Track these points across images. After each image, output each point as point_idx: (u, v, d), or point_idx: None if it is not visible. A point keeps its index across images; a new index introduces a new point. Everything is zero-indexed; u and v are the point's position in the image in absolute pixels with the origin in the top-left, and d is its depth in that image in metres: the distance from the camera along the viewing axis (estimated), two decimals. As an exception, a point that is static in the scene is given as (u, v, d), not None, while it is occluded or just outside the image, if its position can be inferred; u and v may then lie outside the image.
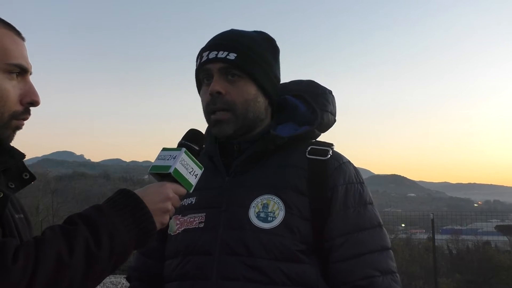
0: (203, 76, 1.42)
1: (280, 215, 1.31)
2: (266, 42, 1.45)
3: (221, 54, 1.36)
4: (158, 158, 1.18)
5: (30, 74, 1.15)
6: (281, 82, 1.54)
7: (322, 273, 1.33)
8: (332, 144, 1.45)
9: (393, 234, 14.75)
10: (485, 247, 13.08)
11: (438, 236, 11.85)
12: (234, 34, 1.43)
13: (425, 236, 14.84)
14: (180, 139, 1.23)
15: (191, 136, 1.23)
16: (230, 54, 1.36)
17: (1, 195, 1.11)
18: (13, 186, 1.19)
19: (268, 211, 1.32)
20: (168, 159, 1.16)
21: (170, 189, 1.13)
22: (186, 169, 1.16)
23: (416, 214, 14.83)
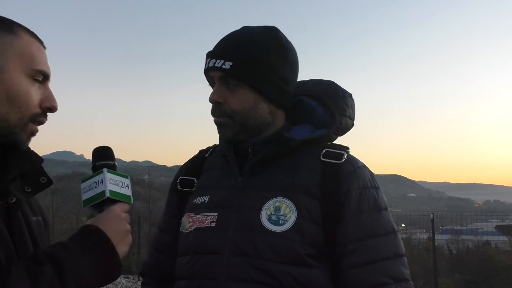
0: (209, 81, 1.44)
1: (291, 219, 1.29)
2: (270, 43, 1.40)
3: (218, 63, 1.35)
4: (84, 191, 1.17)
5: (49, 81, 1.19)
6: (300, 80, 1.51)
7: (332, 279, 1.30)
8: (347, 148, 1.42)
9: (393, 234, 14.73)
10: (485, 247, 13.10)
11: (438, 236, 11.85)
12: (234, 39, 1.40)
13: (425, 236, 14.86)
14: (92, 164, 1.20)
15: (100, 155, 1.21)
16: (225, 63, 1.34)
17: (14, 200, 1.12)
18: (30, 190, 1.21)
19: (280, 214, 1.31)
20: (96, 187, 1.15)
21: (118, 210, 1.15)
22: (117, 185, 1.17)
23: (416, 214, 14.83)
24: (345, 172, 1.35)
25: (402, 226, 16.02)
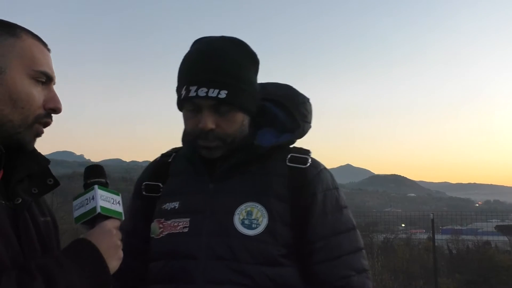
0: (189, 106, 1.40)
1: (263, 222, 1.36)
2: (250, 61, 1.44)
3: (212, 93, 1.34)
4: (76, 208, 1.17)
5: (54, 83, 1.20)
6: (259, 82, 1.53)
7: (301, 275, 1.40)
8: (309, 151, 1.51)
9: (393, 234, 14.75)
10: (485, 247, 13.07)
11: (438, 236, 11.83)
12: (222, 65, 1.37)
13: (425, 236, 14.83)
14: (83, 181, 1.21)
15: (92, 173, 1.22)
16: (221, 92, 1.34)
17: (20, 201, 1.13)
18: (36, 192, 1.21)
19: (252, 218, 1.37)
20: (87, 204, 1.16)
21: (110, 226, 1.15)
22: (109, 201, 1.18)
23: (416, 214, 14.81)
24: (310, 176, 1.44)
25: (402, 226, 16.01)
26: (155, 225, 1.45)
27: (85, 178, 1.21)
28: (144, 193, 1.53)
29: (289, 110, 1.51)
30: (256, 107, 1.47)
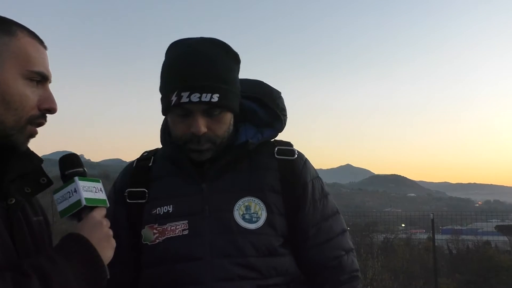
0: (179, 111, 1.39)
1: (263, 215, 1.41)
2: (234, 62, 1.45)
3: (205, 97, 1.33)
4: (58, 202, 1.15)
5: (50, 82, 1.18)
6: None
7: (295, 260, 1.47)
8: (291, 143, 1.56)
9: (393, 234, 14.75)
10: (485, 247, 13.08)
11: (438, 236, 11.84)
12: (212, 69, 1.36)
13: (425, 236, 14.85)
14: (60, 173, 1.18)
15: (68, 163, 1.19)
16: (213, 96, 1.34)
17: (13, 201, 1.12)
18: (29, 191, 1.20)
19: (251, 212, 1.41)
20: (70, 197, 1.14)
21: (98, 216, 1.14)
22: (91, 191, 1.16)
23: (416, 214, 14.83)
24: (299, 167, 1.51)
25: (402, 226, 16.00)
26: (148, 231, 1.42)
27: (62, 170, 1.18)
28: (128, 200, 1.48)
29: (267, 105, 1.53)
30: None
